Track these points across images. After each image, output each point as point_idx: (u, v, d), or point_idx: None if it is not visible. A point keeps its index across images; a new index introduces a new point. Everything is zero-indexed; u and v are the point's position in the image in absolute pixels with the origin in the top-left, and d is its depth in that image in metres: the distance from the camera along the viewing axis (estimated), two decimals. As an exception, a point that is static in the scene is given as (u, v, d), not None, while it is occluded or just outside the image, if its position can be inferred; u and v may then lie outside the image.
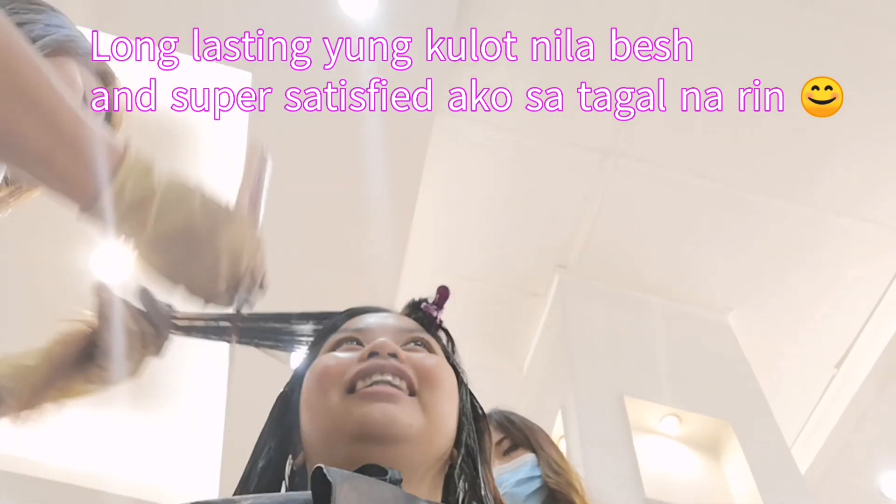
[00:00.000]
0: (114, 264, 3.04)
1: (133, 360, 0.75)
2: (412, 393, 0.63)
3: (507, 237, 3.24)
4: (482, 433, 0.71)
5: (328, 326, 0.73)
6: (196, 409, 3.48)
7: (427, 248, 3.21)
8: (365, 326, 0.70)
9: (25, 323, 3.07)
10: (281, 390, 0.71)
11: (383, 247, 2.90)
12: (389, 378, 0.62)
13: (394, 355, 0.63)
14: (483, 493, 0.65)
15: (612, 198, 3.09)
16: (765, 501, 2.42)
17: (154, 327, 0.76)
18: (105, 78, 0.89)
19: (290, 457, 0.66)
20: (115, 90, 0.90)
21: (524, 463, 1.33)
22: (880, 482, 3.51)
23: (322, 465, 0.46)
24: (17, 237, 2.98)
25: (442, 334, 0.77)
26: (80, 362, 0.75)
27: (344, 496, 0.45)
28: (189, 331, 0.79)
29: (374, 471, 0.52)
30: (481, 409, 0.73)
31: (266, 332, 0.79)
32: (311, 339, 0.76)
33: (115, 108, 0.89)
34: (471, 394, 0.73)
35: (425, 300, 0.78)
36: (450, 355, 0.74)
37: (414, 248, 3.07)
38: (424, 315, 0.77)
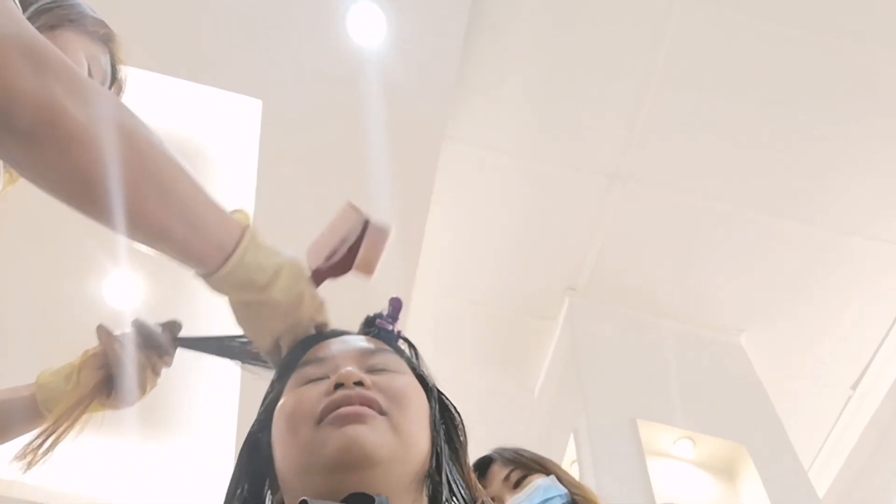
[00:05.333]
0: (126, 292, 3.07)
1: (143, 384, 0.83)
2: (381, 413, 0.62)
3: (516, 261, 3.24)
4: (455, 431, 0.71)
5: (290, 360, 0.73)
6: (207, 436, 3.47)
7: (436, 273, 3.22)
8: (327, 355, 0.69)
9: (40, 351, 3.10)
10: (250, 428, 0.70)
11: (392, 272, 2.90)
12: (357, 407, 0.61)
13: (360, 383, 0.63)
14: (455, 487, 0.64)
15: (621, 220, 3.09)
16: (782, 526, 2.38)
17: (156, 351, 0.84)
18: (105, 39, 0.92)
19: (270, 494, 0.66)
20: (117, 49, 0.94)
21: (536, 487, 1.31)
22: (901, 506, 3.44)
23: (307, 499, 0.46)
24: (31, 265, 3.01)
25: (404, 345, 0.76)
26: (100, 388, 0.82)
27: None
28: (194, 345, 0.87)
29: (361, 499, 0.52)
30: (453, 406, 0.73)
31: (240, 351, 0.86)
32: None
33: (121, 72, 0.94)
34: (440, 396, 0.72)
35: (379, 315, 0.78)
36: (415, 366, 0.73)
37: (423, 272, 3.08)
38: (382, 331, 0.76)
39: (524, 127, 2.93)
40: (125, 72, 0.95)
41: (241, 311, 0.72)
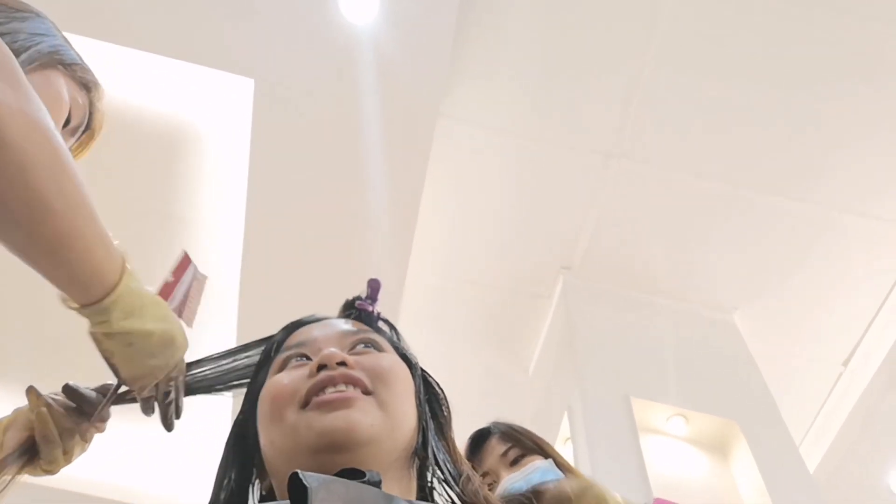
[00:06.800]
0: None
1: (69, 451, 0.79)
2: (366, 392, 0.62)
3: (510, 240, 3.24)
4: (439, 407, 0.71)
5: (271, 346, 0.73)
6: (200, 416, 3.49)
7: (430, 253, 3.22)
8: (308, 339, 0.69)
9: (24, 336, 3.09)
10: (235, 418, 0.71)
11: (387, 252, 2.91)
12: (343, 388, 0.61)
13: (343, 363, 0.63)
14: (442, 465, 0.65)
15: (616, 199, 3.09)
16: (773, 501, 2.41)
17: (87, 417, 0.80)
18: (89, 86, 0.91)
19: (258, 481, 0.66)
20: (98, 97, 0.93)
21: (535, 468, 1.32)
22: (889, 480, 3.49)
23: (298, 471, 0.46)
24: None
25: (385, 326, 0.76)
26: (23, 451, 0.77)
27: (320, 500, 0.44)
28: (132, 400, 0.83)
29: (352, 474, 0.52)
30: (436, 382, 0.73)
31: (215, 377, 0.83)
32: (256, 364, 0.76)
33: (95, 118, 0.93)
34: (423, 374, 0.73)
35: (359, 297, 0.78)
36: (398, 346, 0.73)
37: (417, 252, 3.07)
38: (361, 312, 0.76)
39: (519, 106, 2.92)
40: (100, 120, 0.94)
41: (120, 342, 0.71)
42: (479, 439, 1.37)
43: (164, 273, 0.82)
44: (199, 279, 0.85)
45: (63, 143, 0.61)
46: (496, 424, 1.41)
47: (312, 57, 2.55)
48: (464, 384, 3.30)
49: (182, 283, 0.82)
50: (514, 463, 1.33)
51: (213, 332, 3.12)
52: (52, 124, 0.60)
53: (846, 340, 3.36)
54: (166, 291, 0.81)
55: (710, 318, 3.24)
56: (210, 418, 3.48)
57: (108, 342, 0.70)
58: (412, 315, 3.27)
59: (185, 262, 0.83)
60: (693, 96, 2.83)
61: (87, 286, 0.66)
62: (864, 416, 3.38)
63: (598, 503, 0.92)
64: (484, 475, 1.31)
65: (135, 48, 2.52)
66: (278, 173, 2.79)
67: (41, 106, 0.59)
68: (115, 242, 0.68)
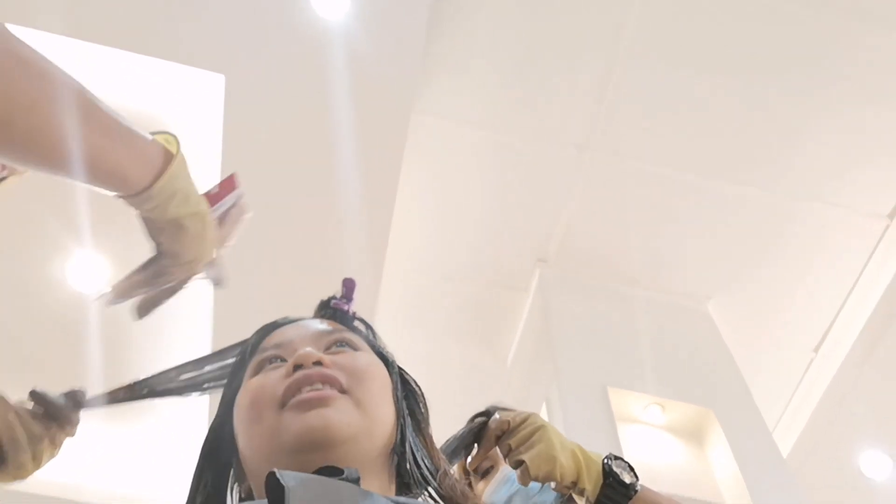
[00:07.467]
0: (89, 273, 3.01)
1: (37, 457, 0.78)
2: (343, 391, 0.62)
3: (486, 233, 3.25)
4: (416, 404, 0.71)
5: (247, 349, 0.72)
6: (177, 418, 3.45)
7: (406, 248, 3.21)
8: (284, 341, 0.69)
9: (3, 331, 3.04)
10: (210, 423, 0.70)
11: (363, 247, 2.90)
12: (319, 387, 0.61)
13: (318, 363, 0.63)
14: (419, 461, 0.65)
15: (590, 191, 3.11)
16: (748, 486, 2.45)
17: (56, 423, 0.79)
18: None
19: (237, 483, 0.66)
20: None
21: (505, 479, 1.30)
22: (860, 462, 3.57)
23: (275, 470, 0.46)
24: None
25: (360, 325, 0.76)
26: None
27: (298, 498, 0.44)
28: (103, 403, 0.82)
29: (330, 472, 0.52)
30: (413, 380, 0.74)
31: (180, 383, 0.82)
32: (229, 370, 0.75)
33: None
34: (400, 372, 0.73)
35: (334, 297, 0.78)
36: (374, 344, 0.73)
37: (393, 247, 3.07)
38: (337, 312, 0.76)
39: (493, 99, 2.92)
40: None
41: (176, 226, 0.70)
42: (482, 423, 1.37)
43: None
44: (241, 206, 0.82)
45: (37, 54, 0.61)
46: (494, 408, 1.40)
47: (284, 52, 2.53)
48: (442, 377, 3.31)
49: (224, 201, 0.80)
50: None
51: (187, 331, 3.09)
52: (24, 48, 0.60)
53: (816, 327, 3.42)
54: (209, 199, 0.79)
55: (684, 308, 3.28)
56: (185, 421, 3.45)
57: (161, 223, 0.70)
58: (390, 310, 3.27)
59: (231, 182, 0.81)
60: (665, 89, 2.86)
61: (137, 172, 0.67)
62: (835, 401, 3.45)
63: (542, 427, 0.94)
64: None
65: (104, 45, 2.48)
66: (250, 170, 2.76)
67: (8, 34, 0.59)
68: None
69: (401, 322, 3.30)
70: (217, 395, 0.75)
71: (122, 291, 0.75)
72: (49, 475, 3.51)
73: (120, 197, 0.68)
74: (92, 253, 2.94)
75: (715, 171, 3.06)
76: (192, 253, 0.72)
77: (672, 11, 2.70)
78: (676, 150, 3.02)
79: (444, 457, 0.69)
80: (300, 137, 2.72)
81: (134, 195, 0.67)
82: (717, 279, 3.33)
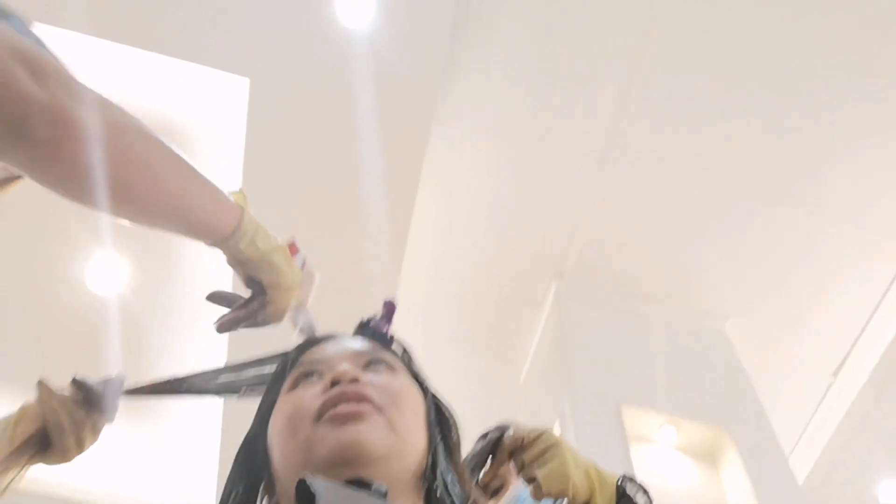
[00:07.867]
0: (108, 275, 3.03)
1: (80, 442, 0.82)
2: (377, 410, 0.63)
3: (503, 246, 3.24)
4: (448, 431, 0.72)
5: (285, 363, 0.74)
6: (192, 424, 3.46)
7: (423, 258, 3.21)
8: (322, 357, 0.70)
9: (19, 335, 3.06)
10: (246, 433, 0.71)
11: (380, 256, 2.90)
12: (355, 404, 0.62)
13: (355, 380, 0.64)
14: (450, 489, 0.65)
15: (609, 204, 3.09)
16: (763, 510, 2.41)
17: (97, 409, 0.83)
18: None
19: (267, 498, 0.67)
20: None
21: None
22: (878, 491, 3.50)
23: (306, 477, 0.46)
24: (14, 248, 2.97)
25: (398, 347, 0.77)
26: (33, 443, 0.80)
27: None
28: (142, 394, 0.86)
29: (359, 484, 0.52)
30: (446, 409, 0.74)
31: (218, 385, 0.85)
32: (265, 381, 0.77)
33: None
34: (434, 397, 0.73)
35: (373, 318, 0.79)
36: (410, 368, 0.74)
37: (410, 257, 3.07)
38: (375, 333, 0.77)
39: (513, 111, 2.92)
40: None
41: (262, 259, 0.79)
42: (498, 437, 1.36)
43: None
44: (309, 271, 0.89)
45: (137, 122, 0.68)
46: (507, 424, 1.39)
47: (308, 58, 2.55)
48: (455, 390, 3.29)
49: (296, 258, 0.86)
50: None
51: (205, 335, 3.10)
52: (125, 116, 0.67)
53: (836, 350, 3.37)
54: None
55: (701, 327, 3.25)
56: (199, 427, 3.46)
57: (252, 258, 0.78)
58: (404, 321, 3.25)
59: (294, 247, 0.87)
60: (687, 100, 2.84)
61: (217, 222, 0.75)
62: (853, 426, 3.39)
63: (557, 444, 0.94)
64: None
65: (129, 45, 2.51)
66: (272, 174, 2.78)
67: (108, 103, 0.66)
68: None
69: (416, 331, 3.29)
70: (240, 401, 0.77)
71: (225, 327, 0.82)
72: (60, 477, 3.53)
73: (212, 244, 0.75)
74: (112, 254, 2.97)
75: (736, 188, 3.03)
76: (289, 280, 0.80)
77: (695, 25, 2.69)
78: (697, 166, 2.99)
79: (475, 486, 0.69)
80: (321, 144, 2.73)
81: (228, 236, 0.75)
82: (736, 299, 3.29)
